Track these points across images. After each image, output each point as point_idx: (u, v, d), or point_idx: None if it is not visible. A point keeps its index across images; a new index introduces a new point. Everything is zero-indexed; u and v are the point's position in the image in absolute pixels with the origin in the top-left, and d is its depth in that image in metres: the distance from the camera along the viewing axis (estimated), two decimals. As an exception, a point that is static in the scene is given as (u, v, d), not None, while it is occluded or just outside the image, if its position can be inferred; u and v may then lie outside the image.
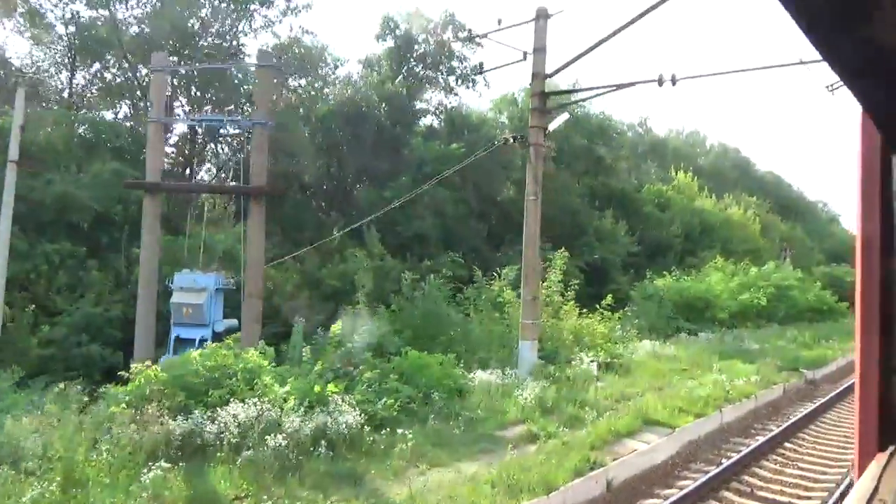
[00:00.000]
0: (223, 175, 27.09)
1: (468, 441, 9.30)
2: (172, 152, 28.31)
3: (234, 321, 12.42)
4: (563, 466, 8.16)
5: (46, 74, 24.33)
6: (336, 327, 10.29)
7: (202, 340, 12.01)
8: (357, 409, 9.00)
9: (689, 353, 17.12)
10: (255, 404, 8.15)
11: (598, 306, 17.95)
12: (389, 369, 11.10)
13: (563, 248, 20.36)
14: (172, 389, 8.36)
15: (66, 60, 25.33)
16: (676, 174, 52.34)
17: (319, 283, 23.57)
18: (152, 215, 12.62)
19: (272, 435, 7.68)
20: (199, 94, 28.26)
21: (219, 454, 7.64)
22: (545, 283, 17.92)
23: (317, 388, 9.17)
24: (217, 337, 12.32)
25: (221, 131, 29.71)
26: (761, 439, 11.04)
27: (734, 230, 45.86)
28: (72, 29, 24.48)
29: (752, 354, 17.84)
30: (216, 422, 7.95)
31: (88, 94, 26.07)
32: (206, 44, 27.34)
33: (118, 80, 25.95)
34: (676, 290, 23.33)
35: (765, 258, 40.09)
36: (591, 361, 13.37)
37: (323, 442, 7.96)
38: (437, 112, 35.67)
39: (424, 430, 9.43)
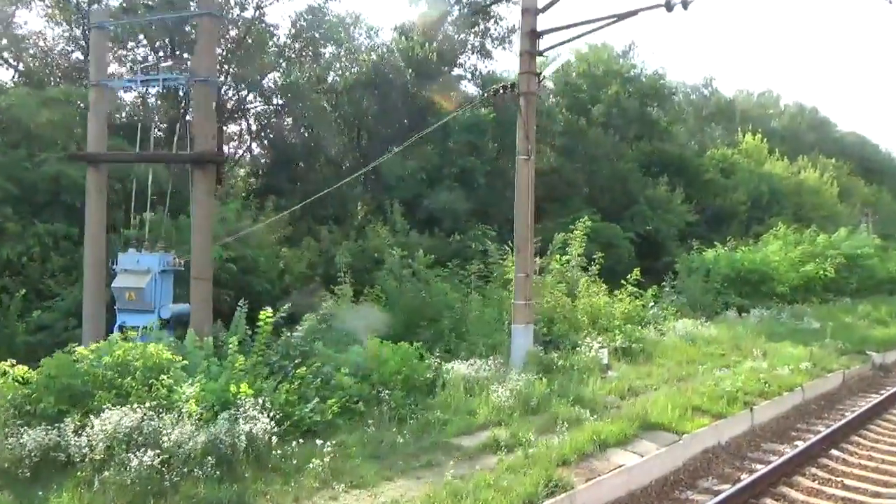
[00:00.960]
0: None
1: (414, 452, 7.59)
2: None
3: (186, 306, 11.11)
4: (514, 491, 6.37)
5: (57, 52, 23.64)
6: (265, 314, 8.75)
7: (147, 328, 10.75)
8: (275, 413, 7.45)
9: (732, 335, 14.79)
10: (135, 410, 6.69)
11: (624, 281, 15.79)
12: (344, 361, 9.53)
13: (583, 217, 18.11)
14: (40, 393, 7.00)
15: (83, 39, 24.65)
16: (744, 137, 48.47)
17: (334, 262, 22.20)
18: (96, 189, 11.39)
19: (141, 450, 6.20)
20: (227, 68, 27.25)
21: (79, 474, 6.24)
22: (565, 257, 15.94)
23: (233, 389, 7.65)
24: (166, 324, 11.05)
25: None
26: (801, 445, 8.87)
27: (807, 195, 41.99)
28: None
29: (810, 335, 15.31)
30: (84, 434, 6.53)
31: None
32: (230, 16, 26.26)
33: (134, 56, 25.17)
34: (728, 262, 20.72)
35: (842, 225, 36.30)
36: (601, 347, 11.37)
37: (209, 458, 6.42)
38: (474, 77, 33.42)
39: (363, 437, 7.79)
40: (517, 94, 11.03)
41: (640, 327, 14.19)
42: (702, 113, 58.98)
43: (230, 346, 8.50)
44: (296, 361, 8.49)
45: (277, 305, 18.43)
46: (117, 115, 24.16)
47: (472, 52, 32.53)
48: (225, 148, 30.67)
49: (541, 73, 11.34)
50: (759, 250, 21.94)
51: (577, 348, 11.51)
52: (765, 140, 47.57)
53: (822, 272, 21.44)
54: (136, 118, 24.56)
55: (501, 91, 11.27)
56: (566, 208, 32.30)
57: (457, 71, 31.69)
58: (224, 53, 26.75)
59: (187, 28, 22.35)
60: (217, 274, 17.87)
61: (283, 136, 28.25)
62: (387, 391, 8.73)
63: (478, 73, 32.49)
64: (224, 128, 29.70)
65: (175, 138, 11.56)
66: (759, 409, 9.93)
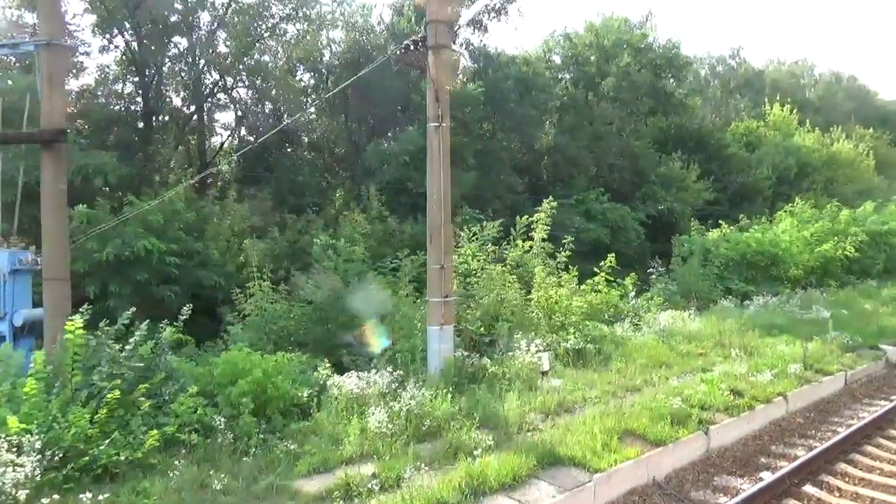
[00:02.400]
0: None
1: (237, 501, 5.89)
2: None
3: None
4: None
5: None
6: (73, 325, 7.03)
7: (-4, 338, 9.25)
8: (57, 452, 5.83)
9: (719, 329, 12.68)
10: None
11: (597, 270, 13.78)
12: (201, 377, 7.84)
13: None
14: None
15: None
16: (771, 108, 45.44)
17: (302, 254, 20.57)
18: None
19: None
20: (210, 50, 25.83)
21: None
22: (529, 243, 14.00)
23: (10, 423, 6.03)
24: (19, 332, 9.53)
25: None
26: (765, 479, 6.89)
27: (840, 168, 38.90)
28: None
29: (815, 326, 13.11)
30: None
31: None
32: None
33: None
34: (733, 244, 18.45)
35: (880, 198, 33.40)
36: (540, 350, 9.46)
37: None
38: (470, 52, 31.22)
39: (175, 481, 6.09)
40: (425, 49, 9.13)
41: (605, 323, 12.23)
42: (728, 85, 55.89)
43: (32, 363, 6.87)
44: (115, 381, 6.81)
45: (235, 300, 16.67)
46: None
47: (467, 25, 30.39)
48: (216, 139, 29.46)
49: (455, 23, 9.43)
50: (769, 229, 19.56)
51: (511, 352, 9.61)
52: (794, 111, 44.48)
53: (841, 252, 19.00)
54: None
55: (413, 47, 9.36)
56: (569, 189, 30.20)
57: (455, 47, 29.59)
58: (204, 35, 25.47)
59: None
60: (159, 269, 16.56)
61: (258, 121, 26.73)
62: (227, 417, 7.02)
63: (471, 46, 30.35)
64: (215, 115, 28.46)
65: (25, 114, 9.92)
66: (720, 430, 7.92)
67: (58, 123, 8.85)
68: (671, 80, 37.32)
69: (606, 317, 13.36)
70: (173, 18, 24.25)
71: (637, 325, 12.88)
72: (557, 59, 36.93)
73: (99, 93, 24.27)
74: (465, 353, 9.61)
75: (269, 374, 7.57)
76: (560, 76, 35.30)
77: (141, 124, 24.81)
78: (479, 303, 11.38)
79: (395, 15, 30.41)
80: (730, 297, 16.51)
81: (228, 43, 25.82)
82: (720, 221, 20.79)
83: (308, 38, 28.14)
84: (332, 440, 7.02)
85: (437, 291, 9.07)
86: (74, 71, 22.81)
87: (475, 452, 6.48)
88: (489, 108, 27.55)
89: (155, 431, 6.56)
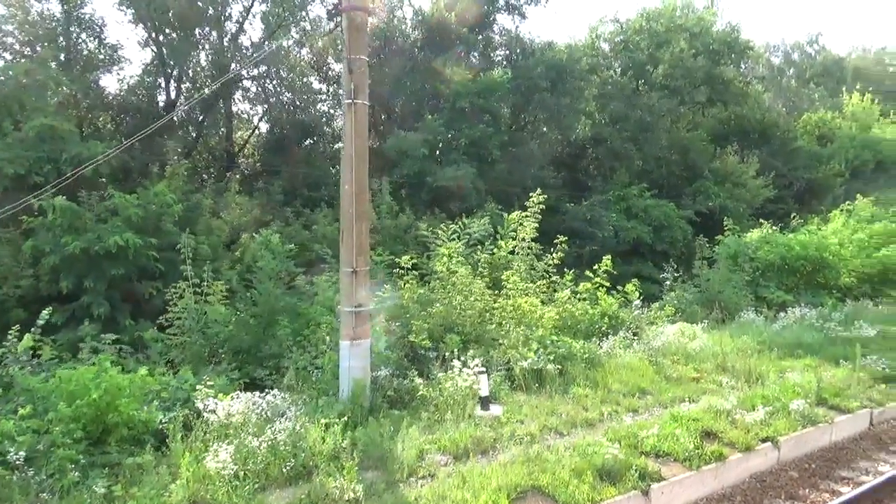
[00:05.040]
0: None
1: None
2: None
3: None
4: None
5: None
6: None
7: None
8: None
9: (732, 346, 10.72)
10: None
11: (590, 273, 12.03)
12: (48, 394, 6.71)
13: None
14: None
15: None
16: (850, 98, 41.66)
17: (305, 249, 19.51)
18: None
19: None
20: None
21: None
22: (513, 241, 12.39)
23: None
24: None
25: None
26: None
27: (927, 163, 35.06)
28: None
29: (852, 348, 10.91)
30: None
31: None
32: None
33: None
34: (773, 246, 16.15)
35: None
36: (476, 372, 7.88)
37: None
38: (508, 40, 29.40)
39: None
40: (337, 11, 7.71)
41: (599, 336, 10.58)
42: (804, 74, 51.83)
43: None
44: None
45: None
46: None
47: (501, 11, 28.65)
48: (242, 133, 28.82)
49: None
50: (814, 232, 17.05)
51: (447, 372, 8.09)
52: (877, 101, 40.50)
53: (904, 257, 16.39)
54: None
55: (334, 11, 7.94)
56: (611, 184, 28.12)
57: (481, 34, 27.85)
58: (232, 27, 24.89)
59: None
60: (138, 264, 15.80)
61: (278, 113, 25.89)
62: (49, 445, 5.87)
63: (504, 34, 28.59)
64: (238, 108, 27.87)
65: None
66: (668, 488, 6.16)
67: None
68: (731, 67, 34.44)
69: (604, 328, 11.60)
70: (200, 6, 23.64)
71: (632, 339, 11.06)
72: (606, 47, 34.62)
73: (124, 83, 23.92)
74: (391, 372, 8.17)
75: (115, 394, 6.36)
76: (608, 64, 33.07)
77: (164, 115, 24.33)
78: (432, 311, 9.91)
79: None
80: (762, 307, 14.35)
81: (253, 32, 25.10)
82: (761, 221, 18.39)
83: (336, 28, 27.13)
84: (163, 483, 5.75)
85: (348, 300, 7.65)
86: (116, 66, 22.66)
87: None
88: (518, 98, 25.82)
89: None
